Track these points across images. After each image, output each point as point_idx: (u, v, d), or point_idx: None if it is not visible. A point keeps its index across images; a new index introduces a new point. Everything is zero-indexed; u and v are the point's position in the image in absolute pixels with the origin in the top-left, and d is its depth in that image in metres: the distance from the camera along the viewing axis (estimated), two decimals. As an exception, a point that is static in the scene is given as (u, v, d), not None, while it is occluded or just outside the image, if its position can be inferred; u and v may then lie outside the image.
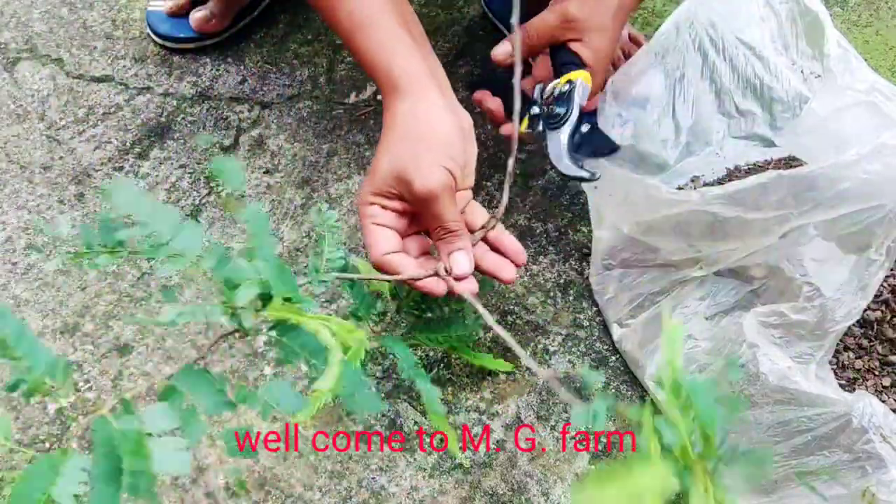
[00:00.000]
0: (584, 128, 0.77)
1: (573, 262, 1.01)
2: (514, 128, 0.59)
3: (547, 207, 1.04)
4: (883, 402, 0.79)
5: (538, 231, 1.03)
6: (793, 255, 0.78)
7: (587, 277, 0.98)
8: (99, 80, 1.15)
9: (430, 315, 0.81)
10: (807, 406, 0.74)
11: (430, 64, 0.74)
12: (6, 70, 1.16)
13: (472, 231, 0.73)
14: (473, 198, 0.98)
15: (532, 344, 0.95)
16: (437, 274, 0.70)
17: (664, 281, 0.88)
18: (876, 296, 0.87)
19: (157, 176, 1.07)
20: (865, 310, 0.85)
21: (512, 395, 0.92)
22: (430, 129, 0.70)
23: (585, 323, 0.97)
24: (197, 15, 1.16)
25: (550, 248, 1.02)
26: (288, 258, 1.00)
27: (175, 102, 1.13)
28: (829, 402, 0.73)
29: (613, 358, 0.94)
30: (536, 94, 0.80)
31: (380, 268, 0.70)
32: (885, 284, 0.87)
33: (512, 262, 0.74)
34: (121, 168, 1.07)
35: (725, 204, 0.78)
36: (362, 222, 0.71)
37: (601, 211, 0.90)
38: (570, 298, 0.98)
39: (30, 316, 0.97)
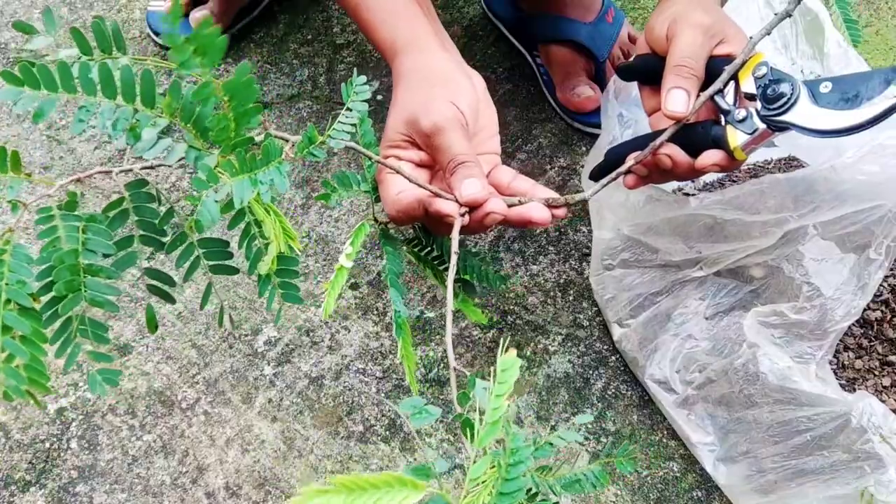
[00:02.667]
0: (824, 88, 0.64)
1: (573, 262, 1.01)
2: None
3: (547, 207, 1.04)
4: (883, 402, 0.79)
5: (538, 231, 1.03)
6: (792, 255, 0.79)
7: (587, 277, 0.98)
8: (99, 80, 1.15)
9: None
10: (806, 406, 0.74)
11: (436, 29, 0.71)
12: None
13: (501, 192, 0.66)
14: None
15: (532, 344, 0.95)
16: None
17: (664, 281, 0.88)
18: (876, 295, 0.86)
19: (156, 176, 1.07)
20: (865, 310, 0.85)
21: (512, 395, 0.92)
22: (435, 75, 0.67)
23: (585, 323, 0.97)
24: (197, 15, 1.16)
25: (550, 248, 1.02)
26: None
27: (175, 102, 1.13)
28: (828, 402, 0.73)
29: (613, 358, 0.94)
30: (721, 101, 0.67)
31: (398, 210, 0.64)
32: (884, 284, 0.87)
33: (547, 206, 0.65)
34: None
35: (724, 209, 0.79)
36: (378, 178, 0.65)
37: (601, 211, 0.90)
38: (570, 298, 0.98)
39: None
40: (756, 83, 0.66)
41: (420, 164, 0.67)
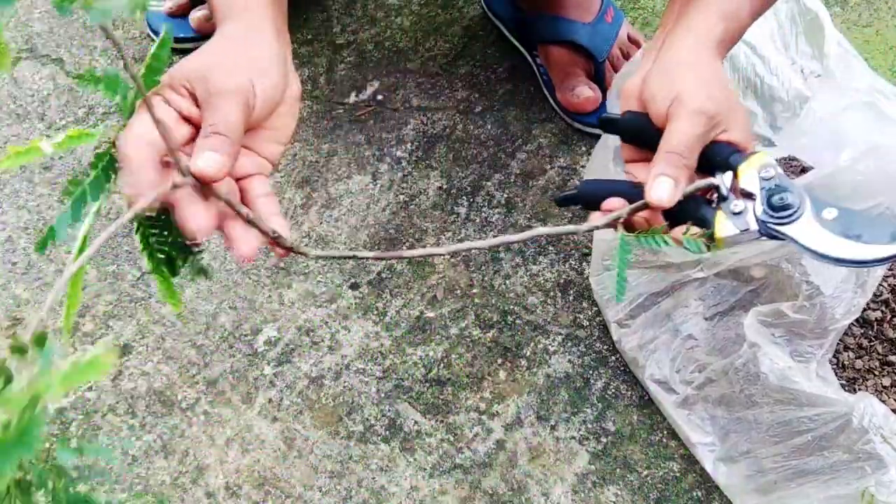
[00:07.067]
0: (829, 213, 0.61)
1: (573, 262, 1.01)
2: None
3: (547, 207, 1.04)
4: (883, 402, 0.79)
5: (538, 231, 1.03)
6: (792, 255, 0.79)
7: (587, 277, 0.98)
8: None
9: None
10: (807, 406, 0.74)
11: (277, 19, 0.68)
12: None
13: (242, 199, 0.60)
14: (471, 199, 0.97)
15: (532, 344, 0.95)
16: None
17: (664, 281, 0.88)
18: (876, 295, 0.87)
19: (157, 176, 1.07)
20: (865, 309, 0.85)
21: (512, 395, 0.92)
22: (251, 48, 0.62)
23: (585, 323, 0.97)
24: (197, 15, 1.16)
25: (550, 248, 1.02)
26: (288, 258, 1.00)
27: (175, 102, 1.13)
28: (829, 403, 0.73)
29: (613, 358, 0.94)
30: (723, 187, 0.63)
31: (127, 145, 0.56)
32: (884, 284, 0.87)
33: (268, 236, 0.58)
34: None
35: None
36: (139, 107, 0.57)
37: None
38: (570, 298, 0.98)
39: (30, 316, 0.97)
40: (761, 184, 0.63)
41: (186, 119, 0.60)
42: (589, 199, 0.68)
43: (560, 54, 1.09)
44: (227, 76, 0.59)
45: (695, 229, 0.63)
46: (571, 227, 0.65)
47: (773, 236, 0.62)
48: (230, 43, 0.63)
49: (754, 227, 0.62)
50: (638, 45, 1.10)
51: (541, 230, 0.63)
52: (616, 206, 0.65)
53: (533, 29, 1.12)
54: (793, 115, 0.98)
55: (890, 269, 0.88)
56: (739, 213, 0.63)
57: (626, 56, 1.10)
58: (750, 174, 0.63)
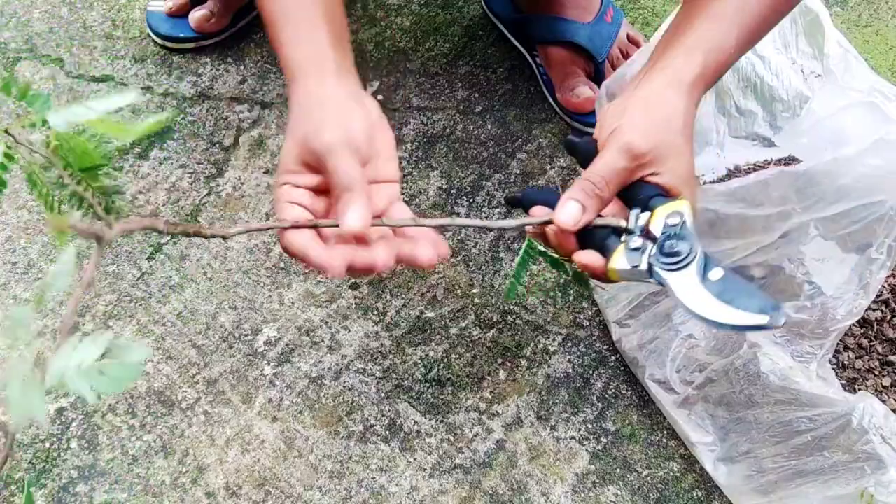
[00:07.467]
0: (715, 274, 0.62)
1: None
2: None
3: (547, 207, 1.04)
4: (883, 402, 0.79)
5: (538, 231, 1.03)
6: (793, 255, 0.79)
7: (587, 277, 0.98)
8: (99, 79, 1.15)
9: None
10: (807, 406, 0.74)
11: (337, 53, 0.71)
12: (6, 70, 1.16)
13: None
14: (471, 199, 0.97)
15: (532, 344, 0.95)
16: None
17: (664, 281, 0.88)
18: (876, 295, 0.87)
19: (157, 176, 1.07)
20: (866, 309, 0.85)
21: (512, 395, 0.92)
22: (326, 102, 0.68)
23: (585, 323, 0.97)
24: (196, 14, 1.16)
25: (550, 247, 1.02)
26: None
27: (175, 102, 1.13)
28: (829, 403, 0.73)
29: (613, 358, 0.94)
30: (633, 223, 0.65)
31: (287, 248, 0.65)
32: (885, 284, 0.87)
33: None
34: (120, 168, 1.07)
35: (727, 201, 0.78)
36: (276, 207, 0.67)
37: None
38: (570, 298, 0.98)
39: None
40: (664, 228, 0.64)
41: (317, 191, 0.67)
42: (528, 204, 0.71)
43: (560, 54, 1.09)
44: (325, 134, 0.65)
45: (591, 257, 0.66)
46: (483, 222, 0.70)
47: (658, 281, 0.63)
48: (306, 106, 0.68)
49: (644, 266, 0.64)
50: (638, 45, 1.10)
51: (453, 220, 0.67)
52: (540, 214, 0.67)
53: (533, 29, 1.11)
54: (793, 115, 0.98)
55: (892, 269, 0.88)
56: (636, 251, 0.64)
57: (626, 56, 1.10)
58: (661, 218, 0.64)
